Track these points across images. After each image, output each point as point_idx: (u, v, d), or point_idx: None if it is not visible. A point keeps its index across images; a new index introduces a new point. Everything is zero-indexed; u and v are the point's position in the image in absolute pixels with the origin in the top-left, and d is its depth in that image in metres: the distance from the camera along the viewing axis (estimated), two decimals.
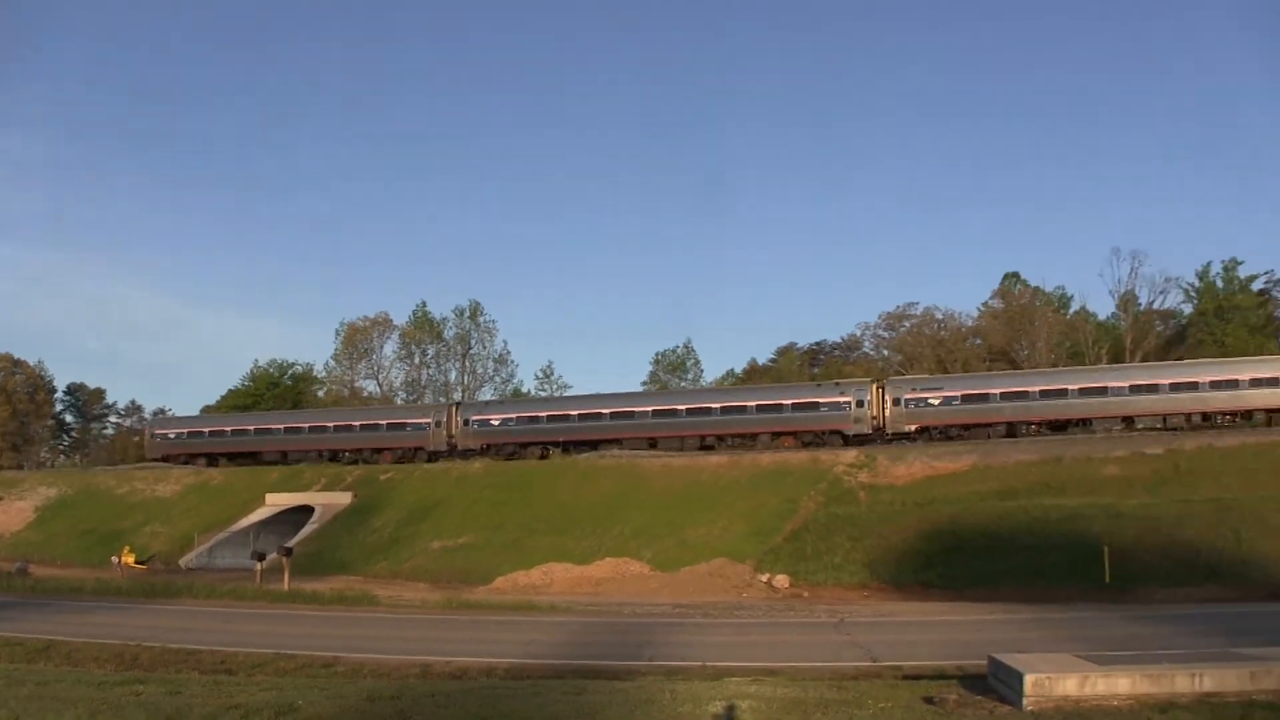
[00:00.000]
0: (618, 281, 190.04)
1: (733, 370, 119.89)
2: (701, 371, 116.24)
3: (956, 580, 42.86)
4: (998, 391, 65.88)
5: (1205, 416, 62.19)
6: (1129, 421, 63.73)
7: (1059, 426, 64.71)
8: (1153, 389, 62.48)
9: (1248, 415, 61.57)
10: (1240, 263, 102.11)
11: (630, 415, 71.88)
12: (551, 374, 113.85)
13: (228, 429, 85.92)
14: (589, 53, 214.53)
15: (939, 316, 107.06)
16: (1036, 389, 65.03)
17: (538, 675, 23.38)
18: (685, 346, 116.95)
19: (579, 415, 73.52)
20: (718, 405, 71.06)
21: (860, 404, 66.56)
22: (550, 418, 74.43)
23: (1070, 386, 64.46)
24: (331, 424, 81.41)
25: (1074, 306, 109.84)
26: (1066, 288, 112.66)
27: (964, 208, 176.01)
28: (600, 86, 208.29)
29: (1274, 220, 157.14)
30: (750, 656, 26.12)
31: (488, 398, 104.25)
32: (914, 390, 67.08)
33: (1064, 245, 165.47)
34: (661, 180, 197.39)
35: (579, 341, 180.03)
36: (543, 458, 71.80)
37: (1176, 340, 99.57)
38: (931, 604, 39.89)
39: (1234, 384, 61.21)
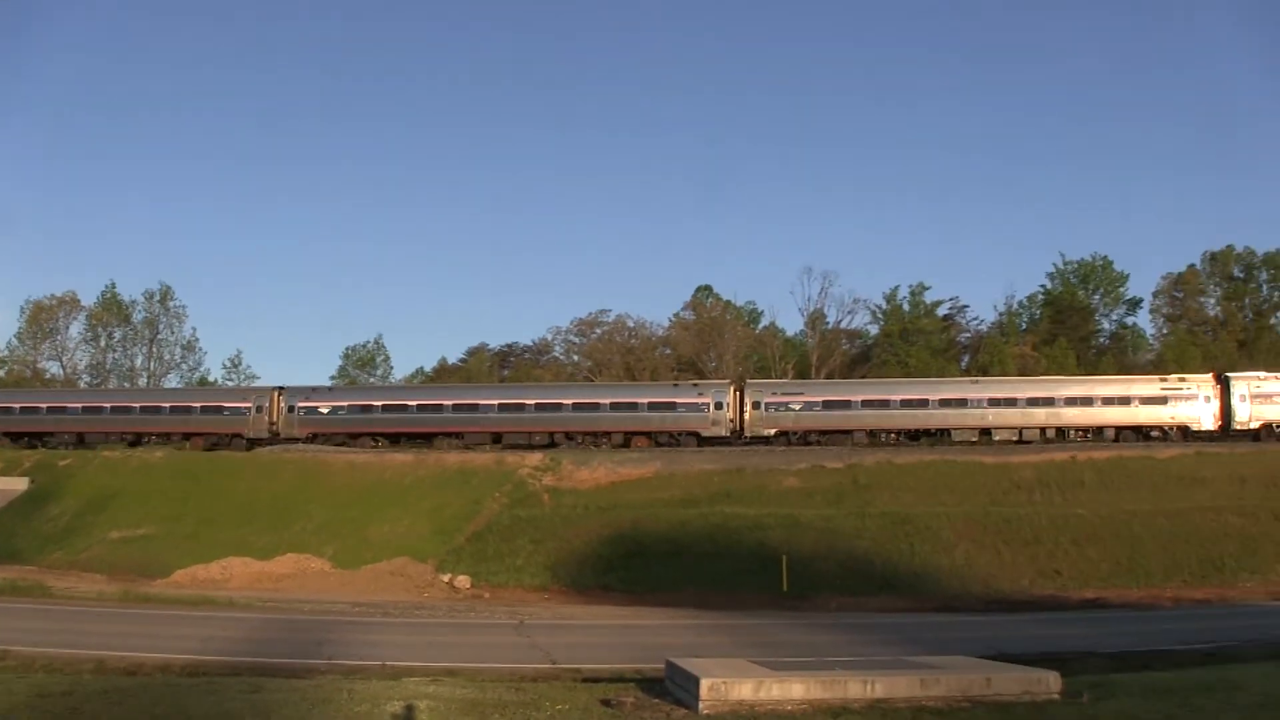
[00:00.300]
0: (310, 272, 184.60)
1: (422, 368, 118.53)
2: (391, 368, 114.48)
3: (638, 585, 43.38)
4: (859, 399, 65.87)
5: (1060, 431, 64.02)
6: (986, 434, 63.97)
7: (916, 436, 64.92)
8: (1011, 402, 63.58)
9: (1098, 432, 63.38)
10: (927, 288, 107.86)
11: (474, 409, 67.90)
12: (240, 364, 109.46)
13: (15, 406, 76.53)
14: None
15: (630, 324, 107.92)
16: (898, 398, 65.36)
17: (214, 672, 22.51)
18: (376, 342, 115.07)
19: (418, 406, 69.69)
20: (570, 401, 67.93)
21: (719, 406, 64.97)
22: (386, 408, 70.04)
23: (931, 397, 65.03)
24: (138, 405, 74.41)
25: (764, 321, 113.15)
26: (757, 303, 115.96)
27: (665, 221, 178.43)
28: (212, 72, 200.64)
29: (960, 248, 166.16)
30: (430, 657, 25.86)
31: (176, 384, 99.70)
32: (775, 394, 66.29)
33: (759, 261, 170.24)
34: (354, 170, 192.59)
35: (267, 333, 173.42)
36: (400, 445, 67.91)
37: (861, 359, 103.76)
38: (612, 608, 40.17)
39: (1089, 401, 63.37)
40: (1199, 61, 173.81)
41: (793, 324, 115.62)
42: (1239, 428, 62.22)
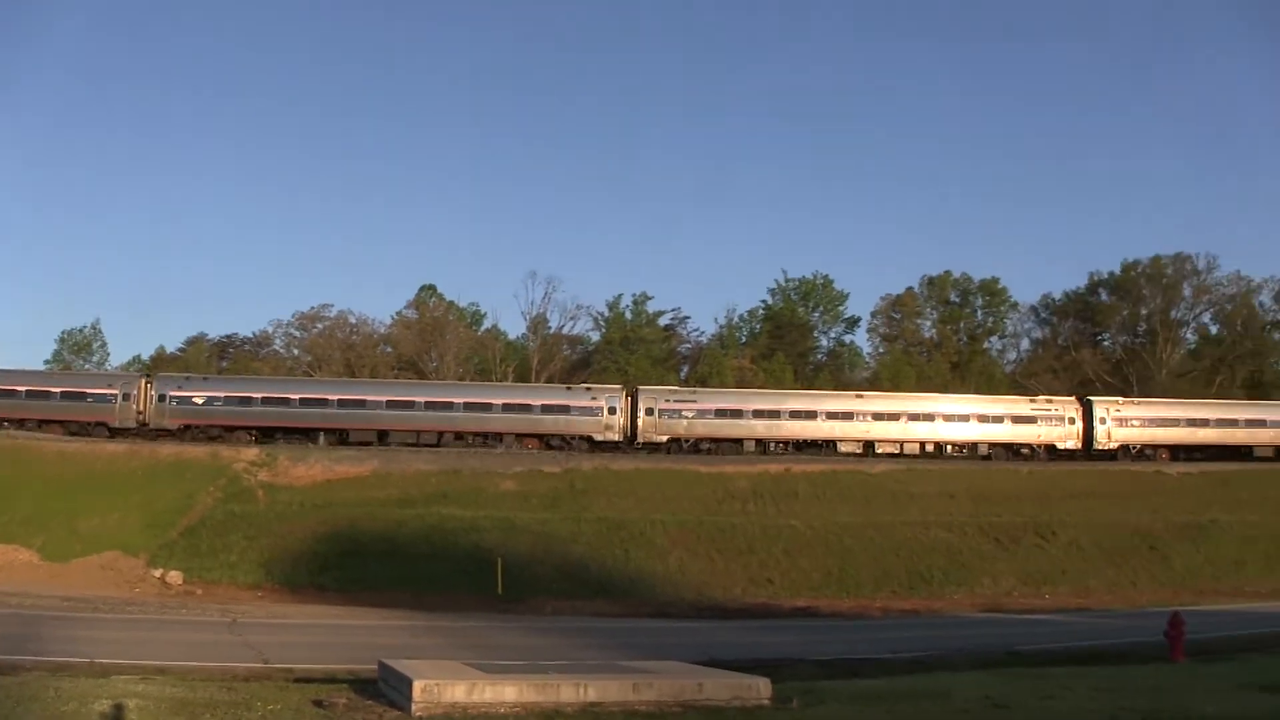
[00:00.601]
0: (22, 252, 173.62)
1: (139, 356, 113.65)
2: (108, 355, 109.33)
3: (353, 584, 42.37)
4: (751, 409, 66.26)
5: (939, 447, 66.33)
6: (869, 447, 64.72)
7: (803, 447, 65.00)
8: (894, 417, 65.80)
9: (973, 448, 66.51)
10: (650, 297, 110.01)
11: (362, 404, 65.25)
12: None
13: None
14: None
15: (353, 321, 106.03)
16: (788, 409, 65.75)
17: None
18: (94, 327, 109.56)
19: (300, 400, 65.96)
20: (461, 401, 66.07)
21: (612, 410, 64.67)
22: (266, 400, 65.67)
23: (819, 409, 65.74)
24: None
25: (486, 323, 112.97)
26: (481, 305, 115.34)
27: (391, 218, 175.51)
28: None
29: (685, 261, 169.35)
30: (140, 654, 24.43)
31: None
32: (668, 401, 65.69)
33: (484, 264, 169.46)
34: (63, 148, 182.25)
35: None
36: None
37: (581, 365, 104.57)
38: (327, 607, 39.08)
39: (965, 418, 66.91)
40: (914, 88, 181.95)
41: (515, 327, 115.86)
42: (1100, 448, 66.64)
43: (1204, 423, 68.63)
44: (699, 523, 49.47)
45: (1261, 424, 69.03)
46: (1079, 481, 58.55)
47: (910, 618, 40.07)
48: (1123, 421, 67.28)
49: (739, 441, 65.07)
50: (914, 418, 66.43)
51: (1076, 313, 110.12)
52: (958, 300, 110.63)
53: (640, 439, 64.44)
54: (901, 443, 65.60)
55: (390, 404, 65.85)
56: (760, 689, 16.83)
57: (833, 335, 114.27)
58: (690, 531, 48.50)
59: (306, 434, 64.58)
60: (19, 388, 67.71)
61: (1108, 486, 58.26)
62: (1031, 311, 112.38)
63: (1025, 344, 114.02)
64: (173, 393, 65.24)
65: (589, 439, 64.36)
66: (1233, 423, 68.89)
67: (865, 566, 47.09)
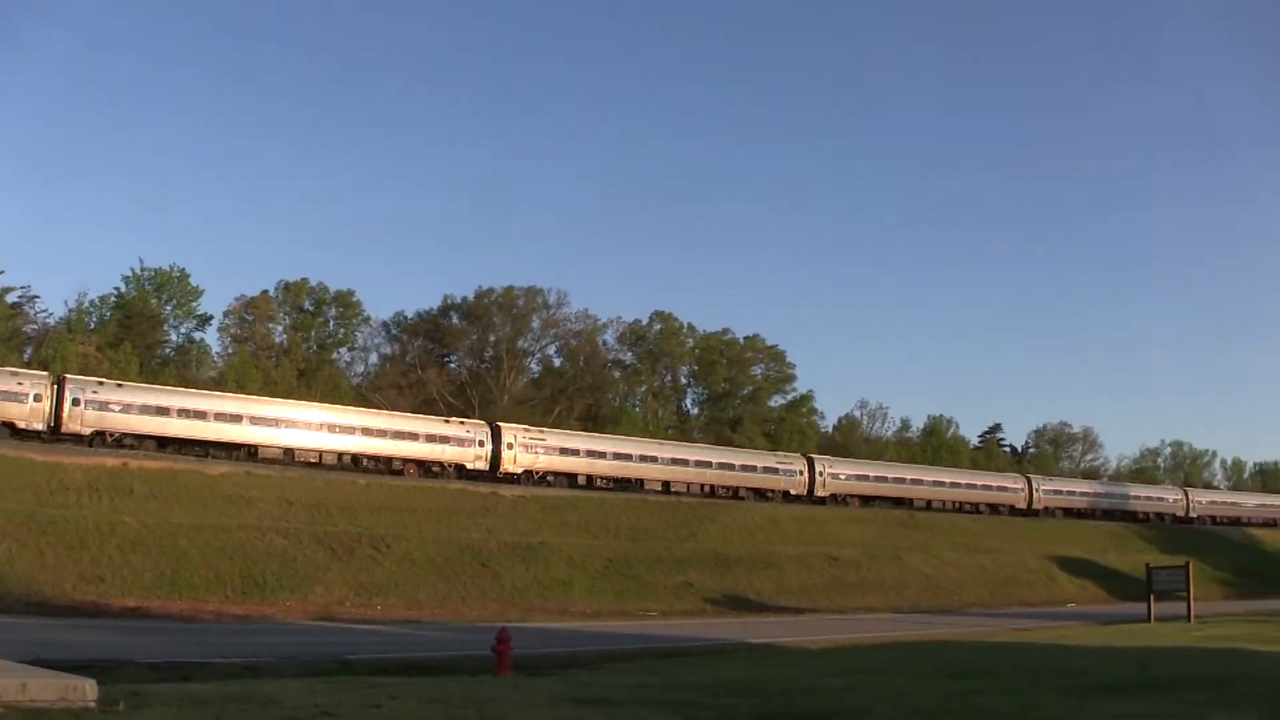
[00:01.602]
0: None
1: None
2: None
3: None
4: (585, 448, 73.11)
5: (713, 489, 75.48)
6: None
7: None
8: (684, 462, 76.99)
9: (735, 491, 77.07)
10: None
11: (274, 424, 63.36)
12: None
13: None
14: None
15: None
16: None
17: None
18: None
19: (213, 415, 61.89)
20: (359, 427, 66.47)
21: (481, 443, 68.08)
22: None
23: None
24: None
25: None
26: None
27: None
28: None
29: (40, 236, 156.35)
30: None
31: None
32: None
33: None
34: None
35: None
36: None
37: None
38: None
39: (731, 465, 78.05)
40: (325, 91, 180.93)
41: None
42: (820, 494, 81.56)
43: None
44: (30, 513, 45.98)
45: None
46: (417, 497, 60.31)
47: (243, 623, 39.36)
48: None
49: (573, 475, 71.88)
50: (701, 464, 77.64)
51: (427, 333, 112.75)
52: (311, 309, 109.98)
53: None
54: (688, 484, 75.41)
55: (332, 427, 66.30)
56: (86, 691, 15.93)
57: (184, 330, 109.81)
58: (20, 522, 44.87)
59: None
60: None
61: (445, 503, 60.43)
62: (383, 327, 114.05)
63: (374, 358, 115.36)
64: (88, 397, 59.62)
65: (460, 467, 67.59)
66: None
67: (199, 569, 45.76)
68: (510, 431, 71.05)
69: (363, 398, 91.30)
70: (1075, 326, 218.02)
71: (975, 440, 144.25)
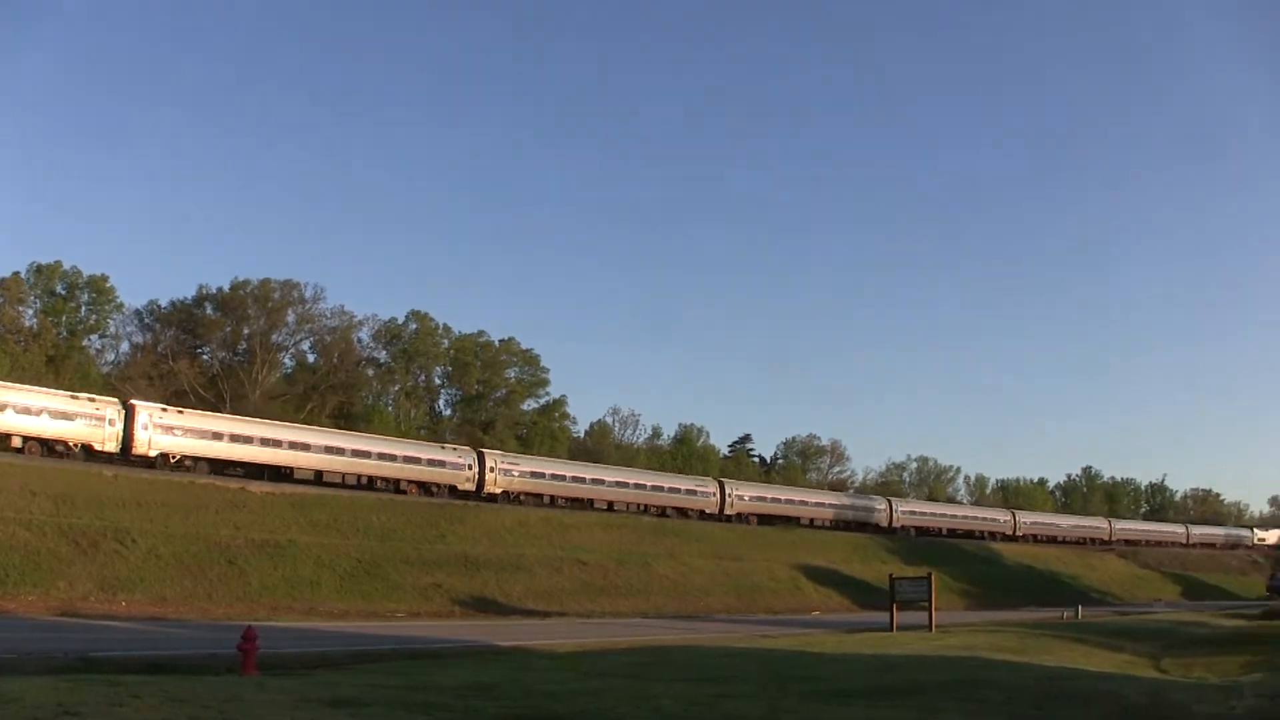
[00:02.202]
0: None
1: None
2: None
3: None
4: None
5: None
6: None
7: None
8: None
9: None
10: None
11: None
12: None
13: None
14: None
15: None
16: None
17: None
18: None
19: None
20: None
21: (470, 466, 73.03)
22: None
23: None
24: None
25: None
26: None
27: None
28: None
29: None
30: None
31: None
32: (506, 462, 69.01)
33: None
34: None
35: None
36: None
37: None
38: None
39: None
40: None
41: None
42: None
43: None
44: None
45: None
46: (165, 491, 58.69)
47: None
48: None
49: None
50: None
51: (180, 323, 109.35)
52: (64, 293, 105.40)
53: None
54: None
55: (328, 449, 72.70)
56: None
57: None
58: None
59: None
60: None
61: (194, 498, 59.04)
62: (136, 315, 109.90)
63: (125, 347, 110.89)
64: None
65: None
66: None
67: None
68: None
69: (112, 387, 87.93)
70: (833, 345, 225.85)
71: (725, 450, 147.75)
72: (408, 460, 76.99)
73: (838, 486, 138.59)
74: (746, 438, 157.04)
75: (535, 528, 74.29)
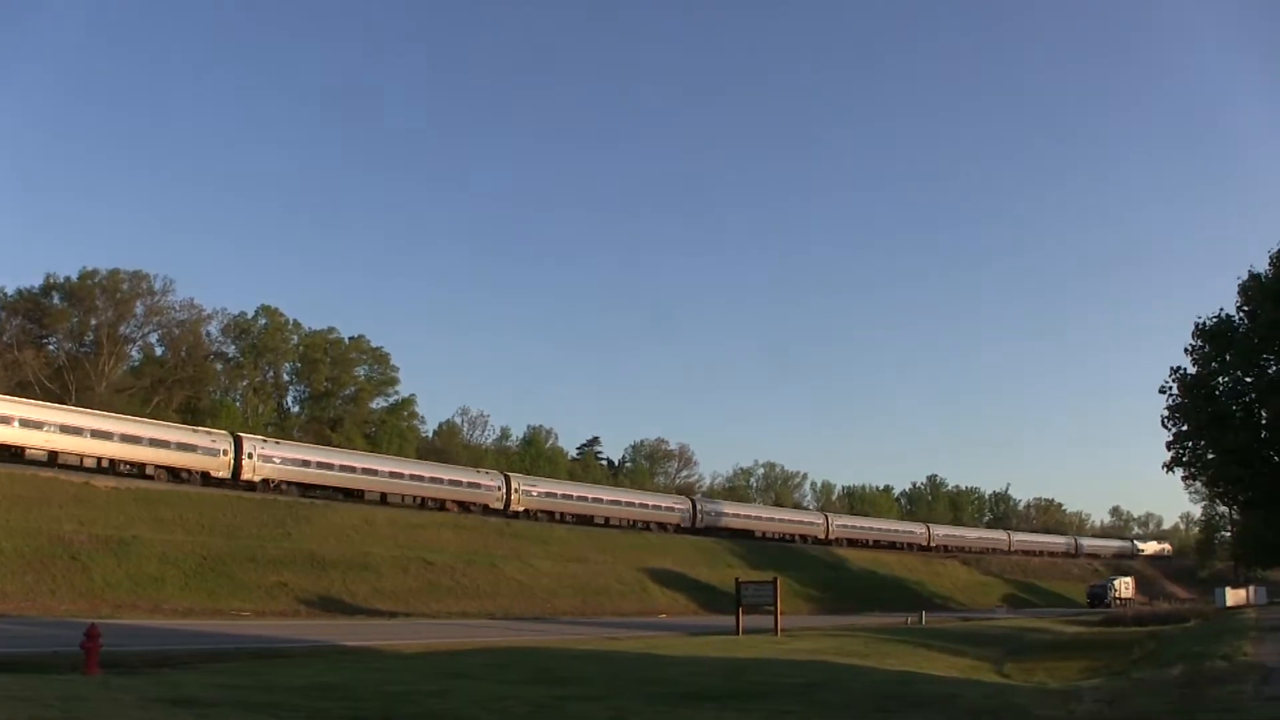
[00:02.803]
0: None
1: None
2: None
3: None
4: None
5: None
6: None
7: None
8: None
9: None
10: None
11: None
12: None
13: None
14: None
15: None
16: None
17: None
18: None
19: None
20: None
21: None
22: None
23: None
24: None
25: None
26: None
27: None
28: None
29: None
30: None
31: None
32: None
33: None
34: None
35: None
36: None
37: None
38: None
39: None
40: None
41: None
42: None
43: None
44: None
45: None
46: (4, 484, 57.46)
47: None
48: None
49: None
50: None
51: (26, 312, 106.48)
52: None
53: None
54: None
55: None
56: None
57: None
58: None
59: None
60: None
61: (36, 491, 57.96)
62: None
63: None
64: None
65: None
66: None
67: None
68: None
69: None
70: (685, 350, 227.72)
71: (574, 452, 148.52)
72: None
73: (684, 490, 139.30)
74: (595, 440, 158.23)
75: (382, 527, 74.30)
